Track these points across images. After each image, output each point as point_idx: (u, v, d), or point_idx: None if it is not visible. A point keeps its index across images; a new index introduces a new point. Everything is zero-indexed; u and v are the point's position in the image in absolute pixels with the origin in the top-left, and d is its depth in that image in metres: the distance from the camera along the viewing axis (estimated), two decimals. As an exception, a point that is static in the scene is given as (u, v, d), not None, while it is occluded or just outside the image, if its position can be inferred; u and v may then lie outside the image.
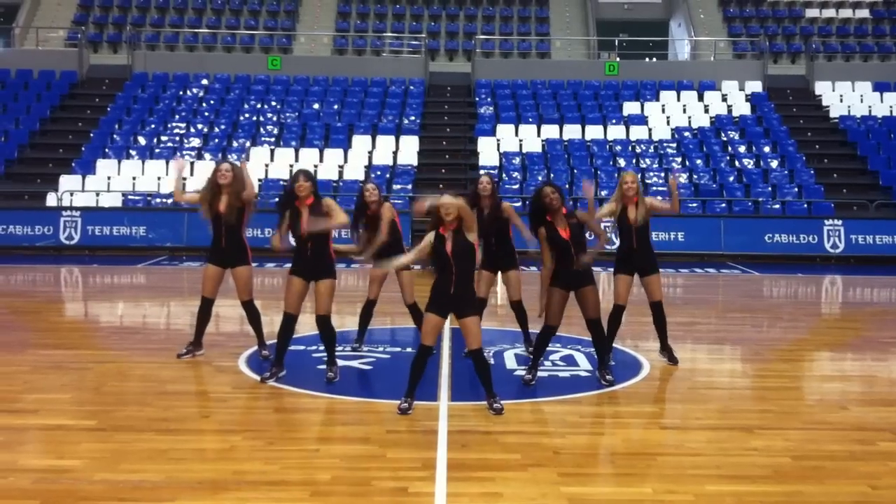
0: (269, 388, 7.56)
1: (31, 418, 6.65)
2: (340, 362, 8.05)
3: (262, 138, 22.77)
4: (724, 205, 20.50)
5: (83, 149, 22.17)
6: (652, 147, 22.73)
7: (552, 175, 21.37)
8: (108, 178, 20.94)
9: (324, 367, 7.92)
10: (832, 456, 6.01)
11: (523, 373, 7.96)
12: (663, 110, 24.45)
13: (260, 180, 20.82)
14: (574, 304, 7.72)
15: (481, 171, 8.93)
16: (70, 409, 6.95)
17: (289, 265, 7.68)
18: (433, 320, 6.69)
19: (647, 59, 28.97)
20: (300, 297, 7.61)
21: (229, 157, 21.22)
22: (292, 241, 7.62)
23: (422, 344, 6.76)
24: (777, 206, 20.47)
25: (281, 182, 20.91)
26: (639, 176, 8.63)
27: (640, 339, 9.62)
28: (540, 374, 8.08)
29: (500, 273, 8.70)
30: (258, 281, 14.93)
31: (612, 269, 8.49)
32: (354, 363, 8.41)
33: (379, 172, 21.47)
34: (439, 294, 6.68)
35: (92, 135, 22.81)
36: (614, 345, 8.52)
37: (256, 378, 7.84)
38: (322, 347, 7.95)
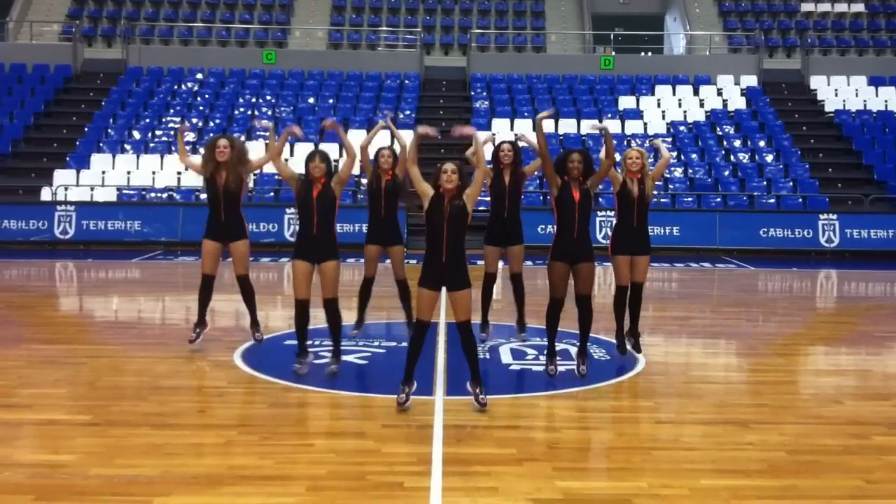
0: (264, 382, 7.56)
1: (26, 413, 6.64)
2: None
3: (257, 133, 22.72)
4: (718, 199, 20.50)
5: (77, 143, 22.10)
6: (647, 141, 22.72)
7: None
8: (103, 172, 20.88)
9: (320, 361, 7.91)
10: (827, 450, 6.02)
11: (518, 367, 7.94)
12: (658, 104, 24.44)
13: (255, 175, 20.79)
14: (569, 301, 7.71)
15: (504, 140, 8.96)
16: (65, 403, 6.94)
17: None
18: (426, 295, 6.58)
19: (642, 54, 28.95)
20: (309, 280, 7.56)
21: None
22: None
23: (418, 319, 6.64)
24: (772, 201, 20.49)
25: (276, 177, 20.88)
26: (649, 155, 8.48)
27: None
28: (535, 368, 8.09)
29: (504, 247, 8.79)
30: (253, 276, 14.91)
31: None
32: (350, 357, 8.40)
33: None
34: (431, 266, 6.58)
35: (86, 129, 22.74)
36: (600, 337, 8.50)
37: (252, 373, 7.84)
38: (318, 342, 7.92)
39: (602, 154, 7.93)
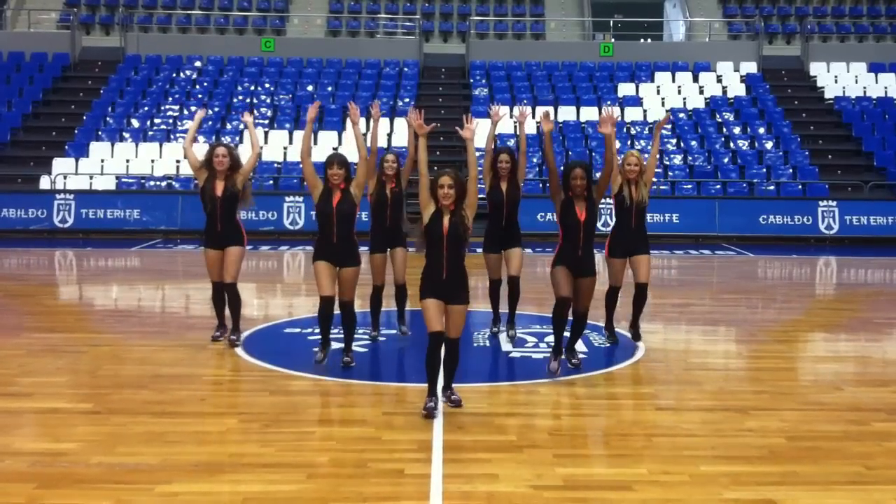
0: (264, 370, 7.56)
1: (27, 401, 6.65)
2: (335, 344, 8.01)
3: (256, 121, 22.64)
4: (718, 186, 20.49)
5: (76, 131, 22.06)
6: (647, 129, 22.70)
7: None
8: (102, 160, 20.85)
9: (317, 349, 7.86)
10: (827, 436, 6.04)
11: (518, 355, 7.94)
12: (658, 91, 24.40)
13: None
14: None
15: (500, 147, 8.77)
16: (66, 392, 6.95)
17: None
18: (432, 305, 6.32)
19: (641, 40, 28.86)
20: (332, 279, 7.44)
21: (223, 139, 21.16)
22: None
23: (430, 332, 6.29)
24: (772, 188, 20.47)
25: (275, 164, 20.87)
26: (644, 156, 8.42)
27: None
28: (535, 356, 8.10)
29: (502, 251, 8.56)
30: (252, 264, 14.92)
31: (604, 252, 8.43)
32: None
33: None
34: (431, 280, 6.34)
35: (85, 117, 22.69)
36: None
37: (253, 361, 7.85)
38: (318, 330, 7.88)
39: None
